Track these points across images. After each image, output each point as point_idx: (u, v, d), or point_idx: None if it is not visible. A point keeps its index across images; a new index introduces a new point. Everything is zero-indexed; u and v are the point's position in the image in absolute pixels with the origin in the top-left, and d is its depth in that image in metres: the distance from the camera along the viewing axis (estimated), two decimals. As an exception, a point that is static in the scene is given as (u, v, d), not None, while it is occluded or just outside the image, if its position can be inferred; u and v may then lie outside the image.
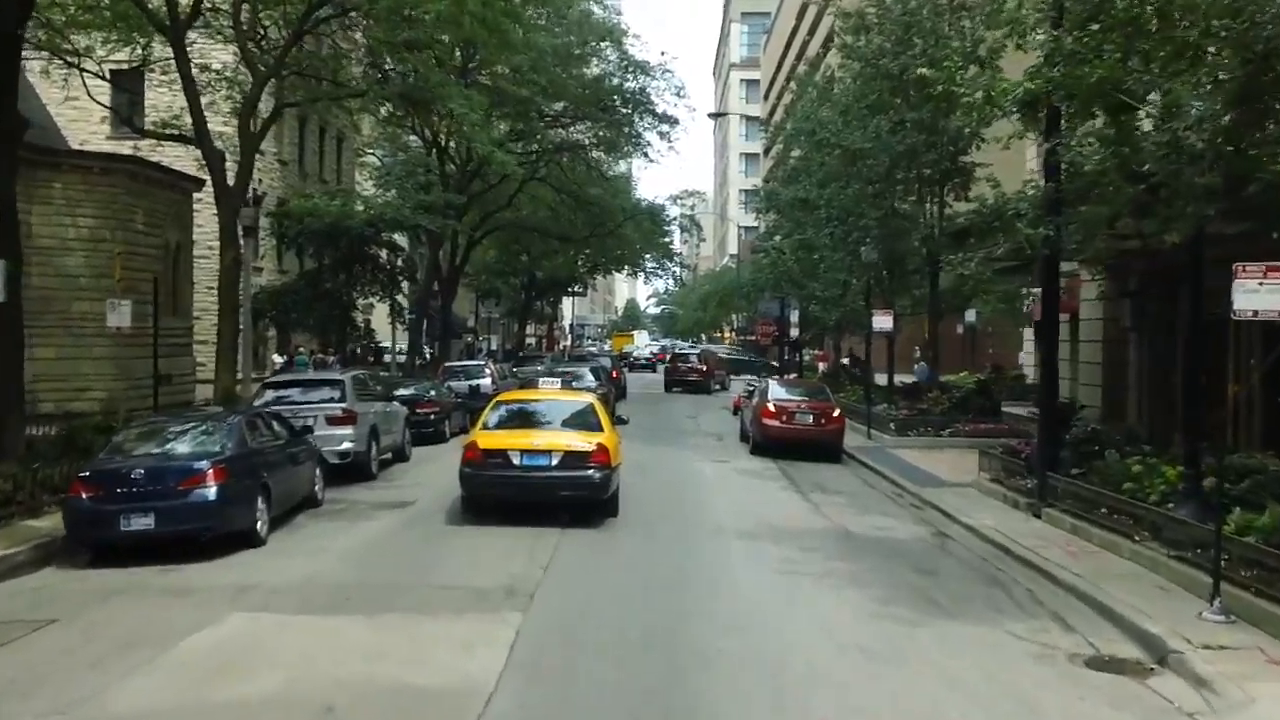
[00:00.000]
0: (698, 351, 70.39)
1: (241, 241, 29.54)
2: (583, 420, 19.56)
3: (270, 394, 23.29)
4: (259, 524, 16.28)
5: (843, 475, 26.56)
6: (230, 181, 29.21)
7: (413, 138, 50.43)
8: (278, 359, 41.18)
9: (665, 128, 49.56)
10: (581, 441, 18.28)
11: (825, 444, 28.88)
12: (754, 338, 76.90)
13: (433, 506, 19.90)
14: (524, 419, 20.01)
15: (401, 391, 31.64)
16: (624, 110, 49.39)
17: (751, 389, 41.80)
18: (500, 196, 54.38)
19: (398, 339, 51.66)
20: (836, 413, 29.14)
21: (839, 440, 29.19)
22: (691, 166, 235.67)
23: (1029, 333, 51.78)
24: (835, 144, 33.34)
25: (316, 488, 19.66)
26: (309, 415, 22.10)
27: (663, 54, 72.17)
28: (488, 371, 37.26)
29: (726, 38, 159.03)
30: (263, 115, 31.36)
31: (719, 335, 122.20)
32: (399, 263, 40.77)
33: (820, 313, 40.52)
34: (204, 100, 31.43)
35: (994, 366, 48.91)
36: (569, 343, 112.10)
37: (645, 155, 52.15)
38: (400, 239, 42.17)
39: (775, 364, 58.77)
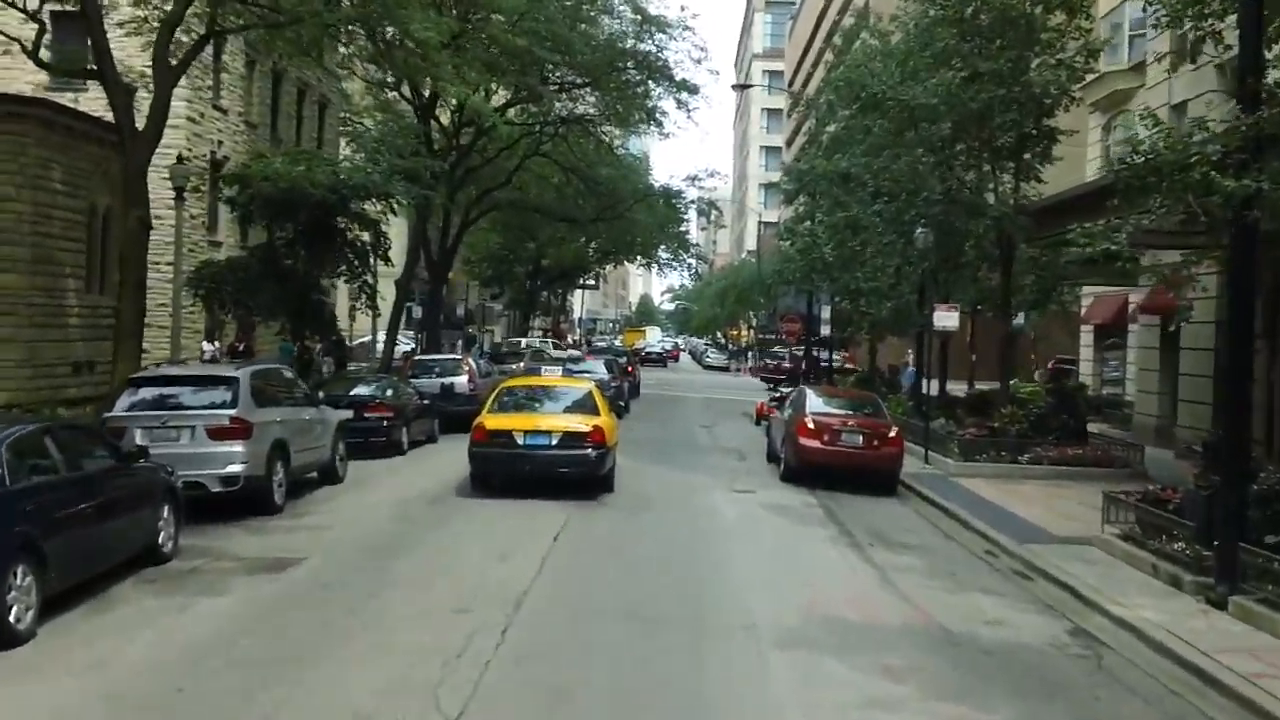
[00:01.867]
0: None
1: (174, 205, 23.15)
2: (581, 404, 21.05)
3: (139, 394, 16.82)
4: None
5: (906, 517, 20.10)
6: (140, 125, 22.88)
7: (405, 105, 44.05)
8: (207, 347, 34.80)
9: (684, 95, 43.05)
10: (579, 423, 19.76)
11: (879, 472, 22.51)
12: (777, 335, 70.37)
13: (327, 569, 13.52)
14: (528, 403, 21.73)
15: (357, 391, 25.39)
16: (638, 75, 42.84)
17: (777, 394, 35.47)
18: (499, 173, 48.18)
19: (378, 328, 45.37)
20: (894, 432, 22.68)
21: (896, 468, 22.76)
22: (709, 158, 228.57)
23: (1087, 336, 45.64)
24: (892, 100, 26.73)
25: (162, 536, 13.24)
26: (183, 426, 15.84)
27: (683, 9, 64.30)
28: (465, 368, 30.81)
29: (750, 28, 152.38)
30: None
31: (734, 333, 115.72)
32: (370, 239, 34.33)
33: (866, 307, 33.54)
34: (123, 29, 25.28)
35: (1054, 372, 42.39)
36: (576, 336, 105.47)
37: (659, 126, 45.57)
38: (381, 213, 35.69)
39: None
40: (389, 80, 43.22)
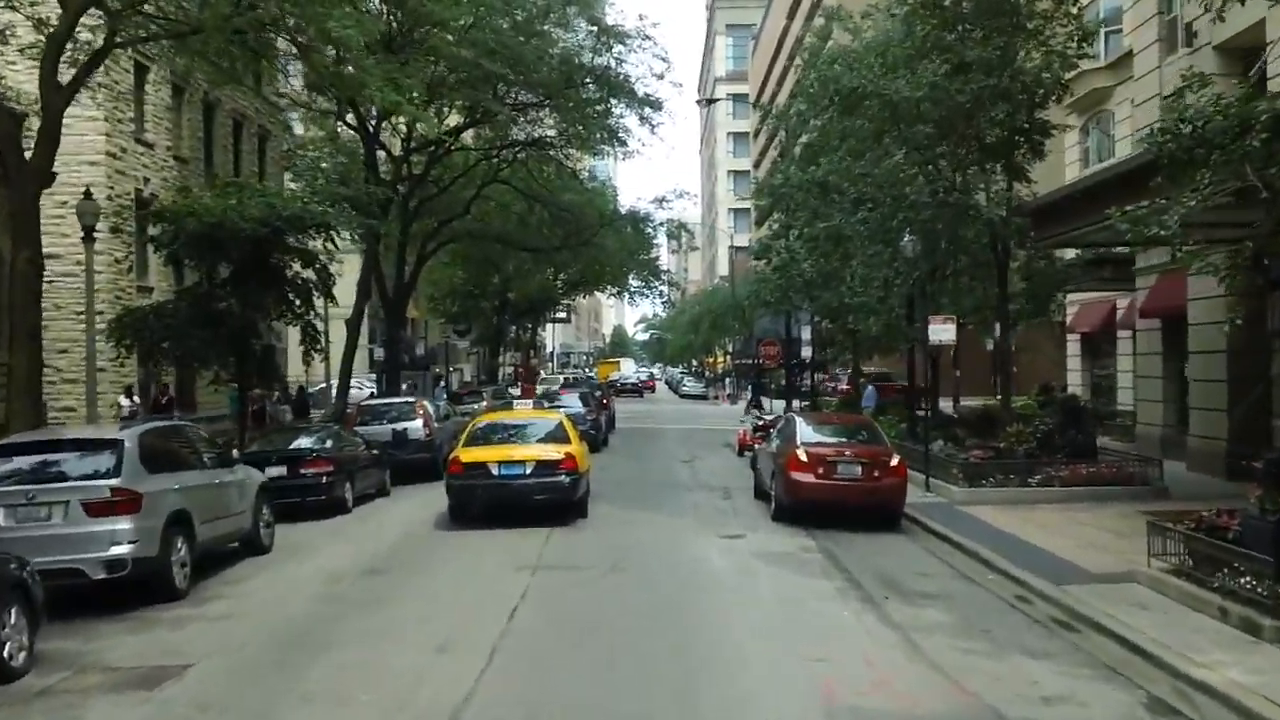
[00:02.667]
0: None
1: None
2: (552, 434, 21.83)
3: (8, 463, 14.01)
4: None
5: (917, 557, 17.51)
6: (28, 154, 20.25)
7: (353, 134, 41.45)
8: (124, 403, 32.05)
9: (647, 111, 40.52)
10: (552, 451, 20.64)
11: (881, 506, 19.99)
12: (754, 360, 67.90)
13: (215, 681, 10.76)
14: (501, 435, 22.20)
15: (294, 444, 22.80)
16: (597, 92, 40.33)
17: (761, 422, 32.94)
18: (457, 203, 45.65)
19: (331, 372, 42.65)
20: (895, 461, 20.09)
21: (900, 500, 20.21)
22: (677, 180, 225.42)
23: (1073, 345, 43.31)
24: (873, 96, 24.30)
25: (8, 648, 10.54)
26: (54, 501, 13.17)
27: (642, 18, 59.80)
28: (420, 412, 28.10)
29: (711, 51, 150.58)
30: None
31: (710, 361, 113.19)
32: (314, 275, 31.69)
33: (853, 324, 30.83)
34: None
35: (1044, 387, 40.05)
36: (549, 372, 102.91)
37: (622, 145, 42.95)
38: (324, 248, 33.04)
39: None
40: (333, 109, 40.76)
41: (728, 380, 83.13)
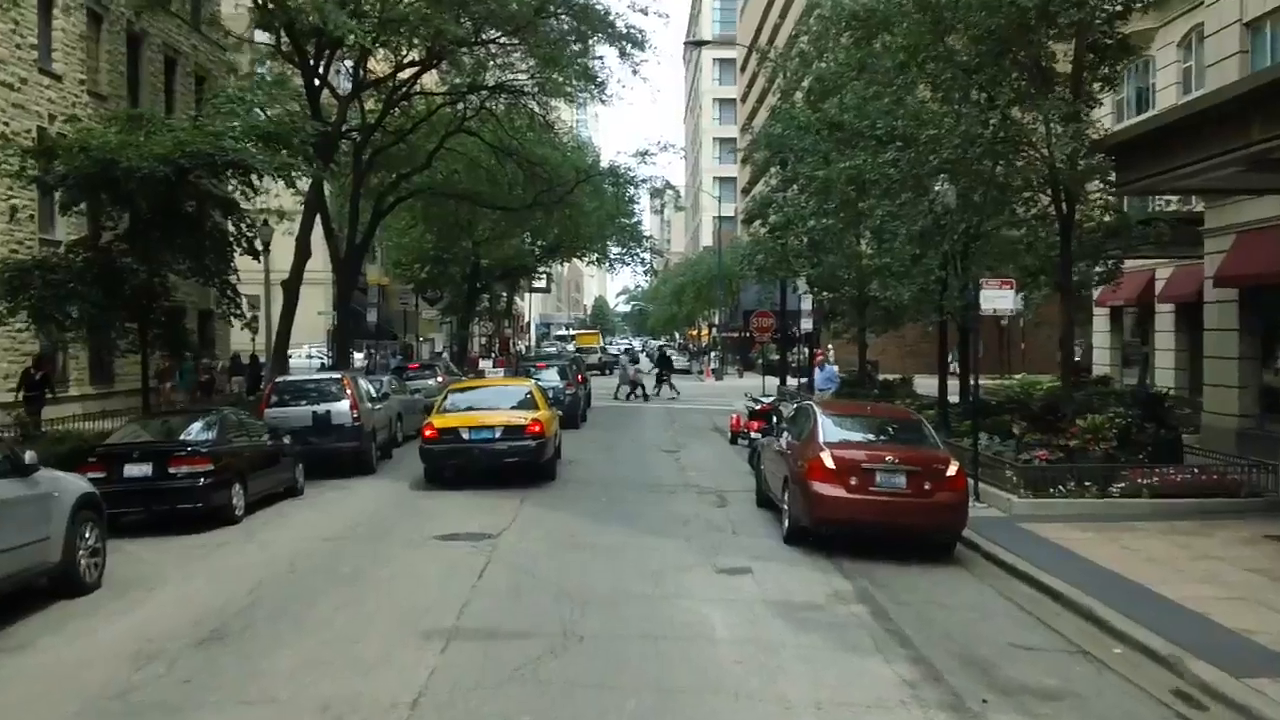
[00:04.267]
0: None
1: None
2: (522, 401, 22.41)
3: None
4: None
5: (997, 611, 12.28)
6: None
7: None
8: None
9: (627, 47, 34.94)
10: (520, 417, 21.26)
11: (934, 530, 14.85)
12: (742, 334, 62.79)
13: None
14: (472, 401, 22.65)
15: (159, 436, 17.59)
16: (571, 24, 34.76)
17: (758, 406, 27.72)
18: (418, 154, 40.15)
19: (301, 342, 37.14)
20: (953, 469, 14.79)
21: (958, 522, 14.93)
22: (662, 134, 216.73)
23: (1101, 321, 38.12)
24: (908, 10, 19.00)
25: None
26: None
27: None
28: (347, 392, 22.69)
29: (698, 16, 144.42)
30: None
31: (694, 334, 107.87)
32: (235, 227, 26.27)
33: (878, 291, 25.11)
34: None
35: (1075, 366, 34.87)
36: (528, 344, 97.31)
37: (600, 86, 37.37)
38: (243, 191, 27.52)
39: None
40: (269, 43, 35.27)
41: (713, 354, 77.74)
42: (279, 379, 23.79)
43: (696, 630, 11.00)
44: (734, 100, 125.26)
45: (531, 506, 18.47)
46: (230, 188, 26.37)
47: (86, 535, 12.59)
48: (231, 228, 26.49)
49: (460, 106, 40.84)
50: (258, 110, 29.16)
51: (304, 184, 32.23)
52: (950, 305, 22.19)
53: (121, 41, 35.28)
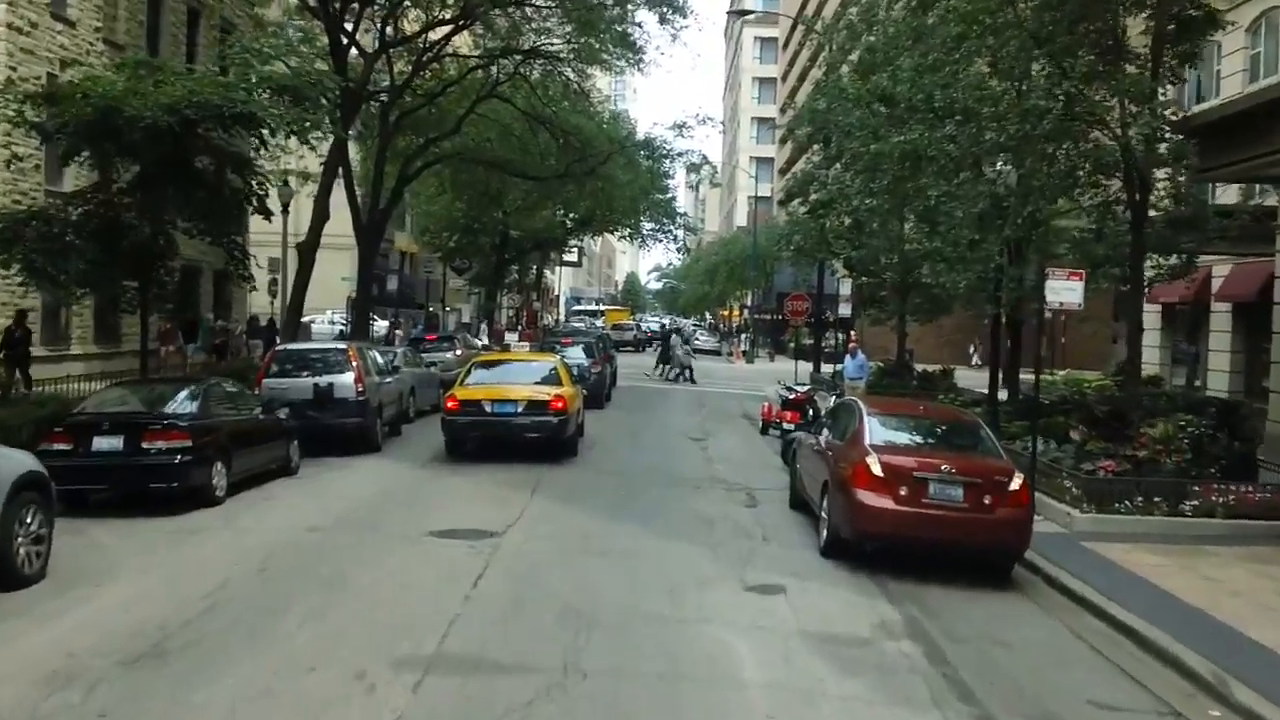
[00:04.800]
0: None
1: None
2: (546, 377, 21.95)
3: None
4: None
5: (1066, 648, 10.54)
6: None
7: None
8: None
9: (667, 11, 33.03)
10: (543, 392, 20.84)
11: (994, 550, 13.02)
12: (775, 316, 60.89)
13: None
14: (497, 375, 22.38)
15: (133, 406, 16.01)
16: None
17: (790, 393, 25.93)
18: (447, 120, 38.42)
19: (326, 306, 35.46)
20: (1016, 482, 12.90)
21: (1021, 542, 13.05)
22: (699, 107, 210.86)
23: (1152, 318, 35.94)
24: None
25: None
26: None
27: None
28: (353, 364, 20.95)
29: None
30: None
31: (725, 314, 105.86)
32: (247, 185, 24.56)
33: (930, 276, 22.95)
34: None
35: (1122, 366, 32.84)
36: (558, 317, 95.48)
37: (638, 52, 35.58)
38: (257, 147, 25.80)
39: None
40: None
41: (744, 336, 75.83)
42: (279, 347, 22.07)
43: (721, 668, 9.24)
44: (774, 80, 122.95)
45: (542, 498, 16.74)
46: (248, 144, 24.72)
47: (28, 520, 10.95)
48: (244, 185, 24.81)
49: (493, 70, 39.16)
50: (278, 63, 27.32)
51: (324, 144, 30.58)
52: (1008, 295, 20.27)
53: (142, -11, 33.62)
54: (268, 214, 26.00)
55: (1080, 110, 17.64)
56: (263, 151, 25.09)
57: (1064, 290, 16.42)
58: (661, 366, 46.59)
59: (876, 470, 12.79)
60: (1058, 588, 12.81)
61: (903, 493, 12.68)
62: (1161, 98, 18.57)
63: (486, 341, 45.36)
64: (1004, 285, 19.71)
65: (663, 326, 78.13)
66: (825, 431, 15.57)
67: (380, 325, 51.54)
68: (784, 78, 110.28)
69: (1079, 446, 17.26)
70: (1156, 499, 15.90)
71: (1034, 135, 17.73)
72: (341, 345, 21.99)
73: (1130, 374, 18.50)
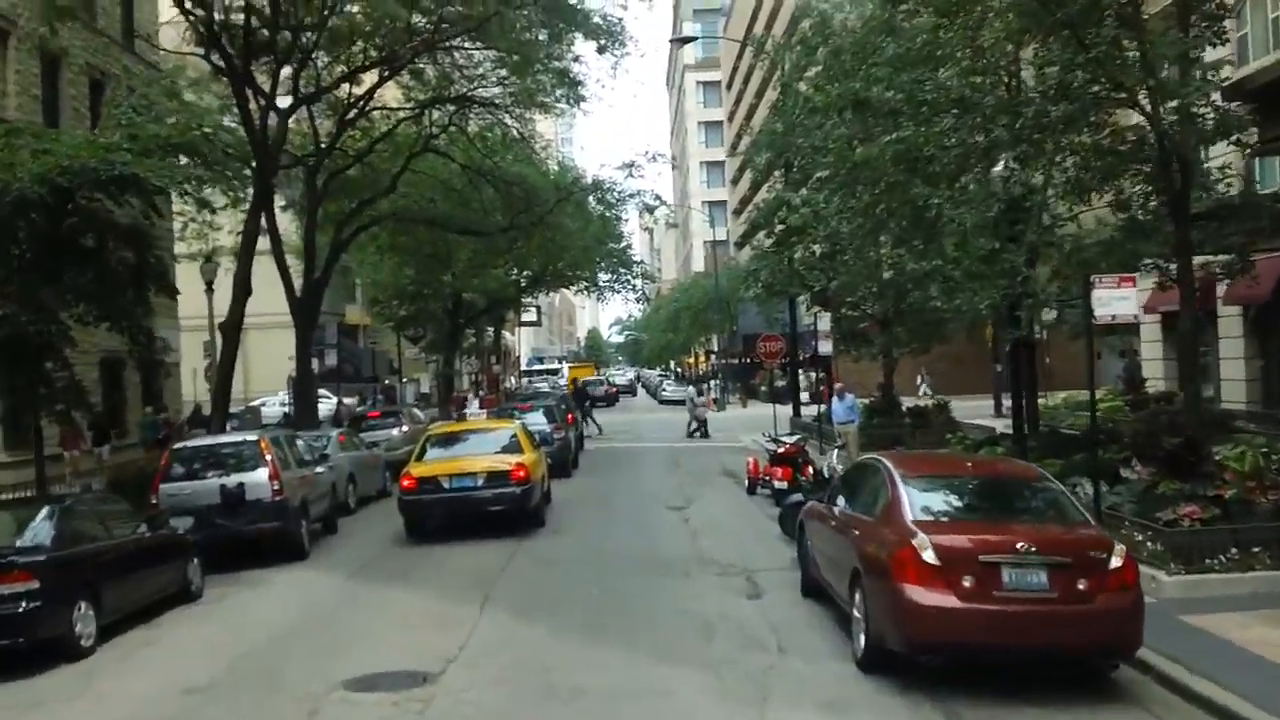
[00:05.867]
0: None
1: None
2: (505, 445, 20.46)
3: None
4: None
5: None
6: None
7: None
8: None
9: (603, 40, 29.86)
10: (503, 462, 19.38)
11: (1098, 652, 9.63)
12: (743, 360, 57.58)
13: None
14: (452, 448, 20.82)
15: (22, 533, 12.40)
16: (540, 17, 29.56)
17: (778, 445, 22.67)
18: (381, 179, 35.18)
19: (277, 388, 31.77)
20: (1118, 559, 9.49)
21: (1131, 637, 9.57)
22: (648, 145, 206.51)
23: (1152, 329, 32.86)
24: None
25: None
26: None
27: None
28: (267, 458, 17.31)
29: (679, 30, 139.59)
30: None
31: (690, 362, 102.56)
32: (141, 259, 21.05)
33: (937, 295, 19.17)
34: None
35: (1129, 382, 29.70)
36: (515, 380, 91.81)
37: (576, 86, 32.41)
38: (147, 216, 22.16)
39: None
40: (208, 56, 29.99)
41: (712, 383, 72.51)
42: (177, 445, 18.37)
43: None
44: (720, 123, 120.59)
45: (497, 611, 13.21)
46: (144, 214, 21.29)
47: None
48: (139, 261, 21.33)
49: (425, 123, 35.96)
50: (167, 120, 23.94)
51: (240, 212, 27.21)
52: (1029, 314, 16.96)
53: (33, 59, 30.08)
54: (172, 293, 22.55)
55: (1103, 87, 14.48)
56: (186, 228, 21.58)
57: (1115, 300, 13.23)
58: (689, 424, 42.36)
59: (929, 556, 9.41)
60: (1181, 691, 9.44)
61: (967, 584, 9.31)
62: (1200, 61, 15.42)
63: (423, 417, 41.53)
64: (1029, 302, 16.39)
65: (694, 382, 74.14)
66: (842, 501, 12.20)
67: (331, 404, 47.96)
68: (730, 118, 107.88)
69: (1147, 489, 13.93)
70: (1255, 549, 12.59)
71: (1051, 122, 14.56)
72: (252, 437, 18.16)
73: (1190, 396, 15.19)
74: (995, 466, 12.14)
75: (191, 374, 38.90)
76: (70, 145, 19.49)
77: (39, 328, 19.86)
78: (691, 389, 48.43)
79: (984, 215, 15.77)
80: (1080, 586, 9.29)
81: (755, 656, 10.87)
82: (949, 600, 9.29)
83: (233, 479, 16.89)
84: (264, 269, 32.90)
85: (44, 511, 12.79)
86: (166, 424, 34.13)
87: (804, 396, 42.77)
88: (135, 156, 19.16)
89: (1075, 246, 15.48)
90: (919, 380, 51.25)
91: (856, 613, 10.51)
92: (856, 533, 10.88)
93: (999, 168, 16.86)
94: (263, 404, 45.87)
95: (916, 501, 10.40)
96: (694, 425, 41.51)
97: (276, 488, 16.96)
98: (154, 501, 16.53)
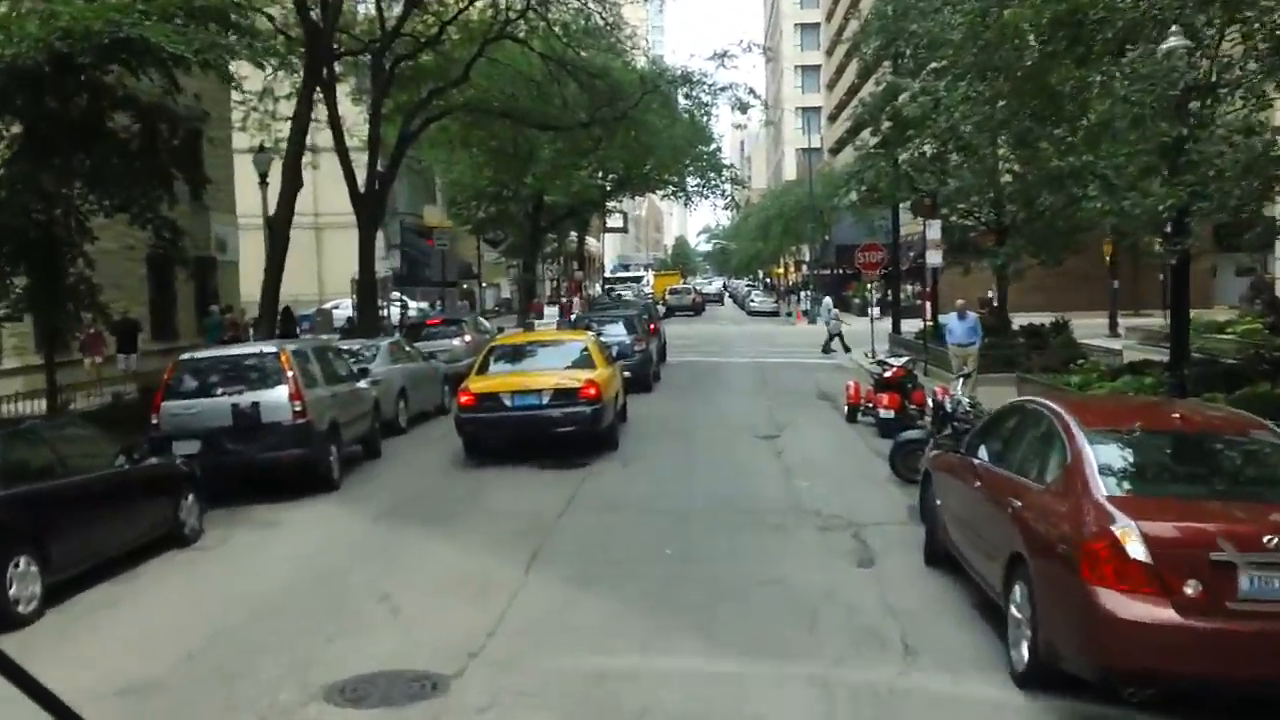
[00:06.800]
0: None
1: None
2: (575, 360, 18.73)
3: None
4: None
5: None
6: None
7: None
8: None
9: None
10: (571, 379, 17.64)
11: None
12: (834, 271, 54.19)
13: None
14: (517, 361, 19.18)
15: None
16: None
17: (883, 368, 19.88)
18: (454, 67, 32.51)
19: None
20: None
21: None
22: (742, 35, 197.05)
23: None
24: None
25: None
26: None
27: None
28: (288, 373, 14.68)
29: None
30: None
31: (778, 272, 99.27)
32: (150, 139, 18.57)
33: (1093, 192, 16.05)
34: None
35: (1270, 303, 26.29)
36: (586, 290, 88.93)
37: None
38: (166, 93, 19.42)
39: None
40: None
41: (804, 294, 69.31)
42: (183, 357, 15.80)
43: None
44: (817, 25, 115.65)
45: (543, 579, 10.54)
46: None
47: None
48: (164, 141, 18.88)
49: (502, 6, 33.05)
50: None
51: (284, 86, 24.68)
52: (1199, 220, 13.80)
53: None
54: (200, 183, 20.04)
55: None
56: (248, 117, 18.91)
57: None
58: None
59: (1137, 551, 6.56)
60: None
61: (1190, 592, 6.48)
62: None
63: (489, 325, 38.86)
64: (1205, 205, 13.20)
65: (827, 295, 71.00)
66: (984, 453, 9.37)
67: (411, 309, 45.79)
68: (829, 17, 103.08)
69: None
70: None
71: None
72: (270, 348, 15.49)
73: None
74: (1209, 420, 9.12)
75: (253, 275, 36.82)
76: (77, 9, 16.97)
77: (41, 217, 17.62)
78: (828, 299, 44.97)
79: (1167, 95, 12.55)
80: (1359, 601, 6.41)
81: (874, 660, 8.12)
82: (1165, 613, 6.45)
83: (246, 397, 14.38)
84: (335, 164, 30.61)
85: (24, 437, 10.35)
86: (232, 325, 32.14)
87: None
88: (154, 22, 16.54)
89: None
90: (989, 294, 47.64)
91: (1016, 611, 7.70)
92: (1018, 503, 8.01)
93: (1171, 41, 13.56)
94: (335, 306, 43.86)
95: (1107, 469, 7.51)
96: (832, 340, 37.77)
97: (299, 409, 14.40)
98: (154, 421, 14.11)
